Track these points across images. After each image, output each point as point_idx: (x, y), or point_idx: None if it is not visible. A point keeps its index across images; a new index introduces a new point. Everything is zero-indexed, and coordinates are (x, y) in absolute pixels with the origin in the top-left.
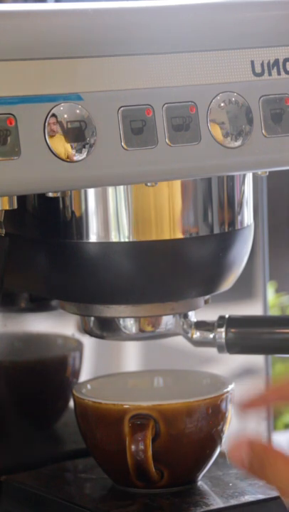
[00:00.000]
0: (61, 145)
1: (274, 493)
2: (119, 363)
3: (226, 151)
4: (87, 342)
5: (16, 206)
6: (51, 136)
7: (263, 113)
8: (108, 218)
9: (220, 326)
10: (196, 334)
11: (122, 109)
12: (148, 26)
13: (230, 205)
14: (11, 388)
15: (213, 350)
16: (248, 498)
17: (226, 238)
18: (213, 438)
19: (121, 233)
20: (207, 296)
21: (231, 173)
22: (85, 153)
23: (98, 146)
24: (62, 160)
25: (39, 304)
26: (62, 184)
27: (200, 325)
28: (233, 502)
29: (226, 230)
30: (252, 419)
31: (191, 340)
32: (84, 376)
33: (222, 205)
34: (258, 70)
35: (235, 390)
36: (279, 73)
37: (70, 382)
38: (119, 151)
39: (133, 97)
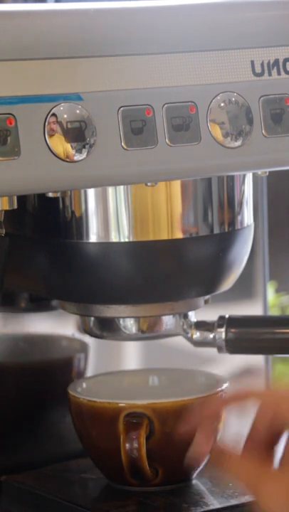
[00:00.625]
0: (61, 145)
1: None
2: (119, 363)
3: (226, 151)
4: (87, 342)
5: (16, 206)
6: (51, 136)
7: (263, 113)
8: (108, 218)
9: (220, 326)
10: (196, 334)
11: (122, 109)
12: (148, 26)
13: (230, 205)
14: (16, 389)
15: (213, 350)
16: (248, 498)
17: (225, 238)
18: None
19: (121, 233)
20: (207, 296)
21: (231, 173)
22: (85, 153)
23: (98, 146)
24: (62, 160)
25: (39, 304)
26: (62, 184)
27: (200, 325)
28: (233, 502)
29: (226, 230)
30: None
31: (191, 340)
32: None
33: (222, 205)
34: (258, 70)
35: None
36: (279, 73)
37: None
38: (119, 151)
39: (133, 97)
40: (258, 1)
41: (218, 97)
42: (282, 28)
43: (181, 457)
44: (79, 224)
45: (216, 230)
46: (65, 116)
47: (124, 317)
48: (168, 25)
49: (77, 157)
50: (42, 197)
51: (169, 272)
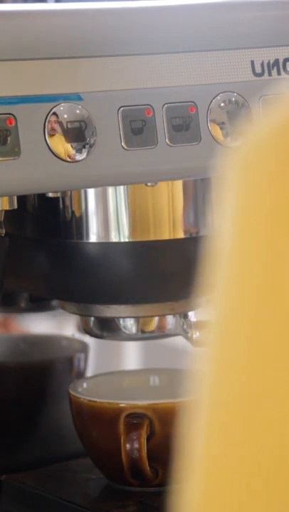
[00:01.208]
0: (61, 145)
1: None
2: (119, 363)
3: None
4: (87, 342)
5: (16, 206)
6: (51, 136)
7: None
8: (108, 218)
9: None
10: (196, 334)
11: (122, 109)
12: (148, 26)
13: None
14: (16, 389)
15: None
16: None
17: None
18: None
19: (121, 233)
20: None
21: None
22: (85, 153)
23: (98, 146)
24: (63, 160)
25: (39, 304)
26: (63, 184)
27: (200, 325)
28: None
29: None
30: None
31: (191, 340)
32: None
33: None
34: (258, 70)
35: None
36: (279, 73)
37: None
38: (119, 151)
39: (133, 97)
40: (257, 1)
41: (218, 97)
42: (282, 28)
43: None
44: (79, 224)
45: None
46: (65, 116)
47: (124, 317)
48: (168, 25)
49: (77, 157)
50: (42, 197)
51: (169, 272)
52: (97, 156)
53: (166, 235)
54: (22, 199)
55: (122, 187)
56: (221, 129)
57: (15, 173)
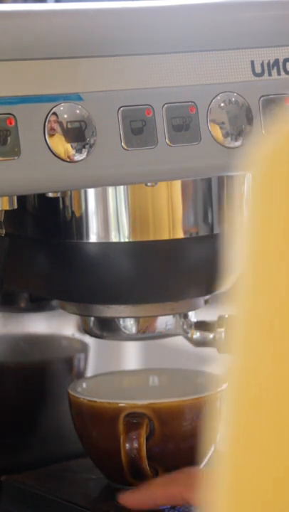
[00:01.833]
0: (61, 145)
1: None
2: (119, 363)
3: (226, 151)
4: (87, 342)
5: (16, 206)
6: (51, 136)
7: (262, 113)
8: (108, 218)
9: (220, 326)
10: (196, 334)
11: (122, 109)
12: (148, 26)
13: (230, 205)
14: (16, 389)
15: (213, 350)
16: None
17: (225, 238)
18: (207, 437)
19: (121, 233)
20: (207, 296)
21: (231, 173)
22: (85, 153)
23: (98, 146)
24: (63, 160)
25: (39, 304)
26: (63, 184)
27: (200, 325)
28: None
29: (226, 230)
30: None
31: (191, 340)
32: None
33: (222, 205)
34: (258, 70)
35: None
36: (279, 73)
37: None
38: (119, 151)
39: (133, 97)
40: (257, 1)
41: (218, 97)
42: (282, 28)
43: (181, 457)
44: (79, 224)
45: (216, 230)
46: (65, 116)
47: (124, 317)
48: (168, 25)
49: (77, 157)
50: (42, 197)
51: (169, 272)
52: (97, 156)
53: (165, 235)
54: (22, 199)
55: (122, 187)
56: (221, 129)
57: (15, 173)
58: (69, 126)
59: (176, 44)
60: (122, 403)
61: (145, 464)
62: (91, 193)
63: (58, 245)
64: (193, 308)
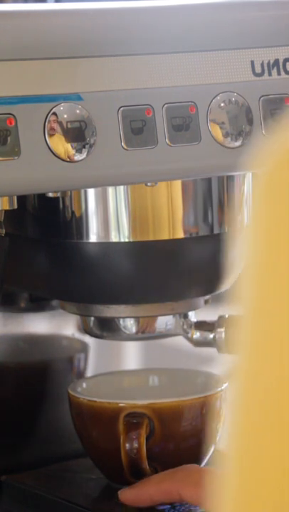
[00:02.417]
0: (61, 145)
1: None
2: (119, 363)
3: (226, 151)
4: (87, 342)
5: (16, 206)
6: (51, 136)
7: (263, 113)
8: (108, 218)
9: (220, 326)
10: (196, 334)
11: (122, 109)
12: (148, 26)
13: (230, 205)
14: (16, 389)
15: (213, 350)
16: None
17: (226, 238)
18: (207, 436)
19: (121, 233)
20: (207, 296)
21: (231, 173)
22: (85, 153)
23: (98, 146)
24: (62, 160)
25: (39, 304)
26: (63, 184)
27: (200, 325)
28: None
29: (226, 230)
30: None
31: (191, 340)
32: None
33: (222, 205)
34: (258, 70)
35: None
36: (279, 73)
37: None
38: (119, 151)
39: (133, 97)
40: (258, 1)
41: (218, 97)
42: (282, 28)
43: (181, 457)
44: (79, 224)
45: (216, 230)
46: (65, 116)
47: (124, 317)
48: (168, 25)
49: (77, 157)
50: (42, 197)
51: (169, 272)
52: (97, 156)
53: (165, 235)
54: (22, 199)
55: (122, 187)
56: (221, 129)
57: (15, 173)
58: (69, 126)
59: (176, 44)
60: (122, 403)
61: (145, 464)
62: (91, 193)
63: (58, 245)
64: (193, 308)
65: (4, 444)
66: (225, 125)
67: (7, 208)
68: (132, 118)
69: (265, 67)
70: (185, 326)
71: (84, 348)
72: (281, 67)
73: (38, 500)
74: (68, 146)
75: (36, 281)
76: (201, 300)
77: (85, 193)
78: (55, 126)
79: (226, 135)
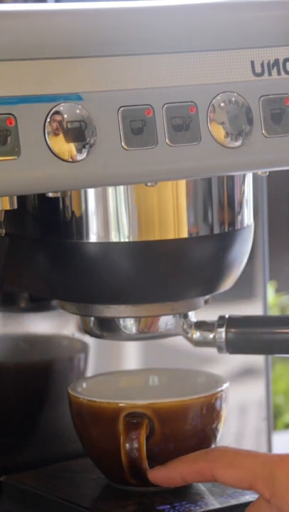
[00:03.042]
0: (61, 145)
1: None
2: (119, 363)
3: (226, 151)
4: (87, 342)
5: (16, 206)
6: (51, 136)
7: (263, 113)
8: (108, 218)
9: (220, 326)
10: (196, 334)
11: (122, 109)
12: (148, 26)
13: (231, 205)
14: (16, 389)
15: (213, 350)
16: (248, 498)
17: (226, 238)
18: (207, 436)
19: (121, 233)
20: (207, 296)
21: (231, 173)
22: (85, 153)
23: (98, 146)
24: (63, 160)
25: (39, 304)
26: (63, 184)
27: (200, 325)
28: (233, 502)
29: (226, 230)
30: None
31: (191, 340)
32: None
33: (222, 205)
34: (258, 70)
35: (233, 390)
36: (279, 73)
37: None
38: (119, 151)
39: (133, 97)
40: (258, 1)
41: (218, 97)
42: (282, 28)
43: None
44: (79, 224)
45: (216, 230)
46: (65, 116)
47: (124, 317)
48: (168, 25)
49: (77, 157)
50: (42, 197)
51: (169, 272)
52: (97, 156)
53: (165, 235)
54: (22, 199)
55: (122, 187)
56: (221, 128)
57: (15, 173)
58: (69, 126)
59: (176, 44)
60: (122, 403)
61: (145, 464)
62: (91, 193)
63: (58, 245)
64: (193, 308)
65: (4, 444)
66: (225, 125)
67: (7, 208)
68: (132, 118)
69: (265, 67)
70: (185, 326)
71: (84, 348)
72: (281, 67)
73: (38, 500)
74: (68, 146)
75: (36, 281)
76: (201, 300)
77: (85, 193)
78: (55, 126)
79: (226, 135)
